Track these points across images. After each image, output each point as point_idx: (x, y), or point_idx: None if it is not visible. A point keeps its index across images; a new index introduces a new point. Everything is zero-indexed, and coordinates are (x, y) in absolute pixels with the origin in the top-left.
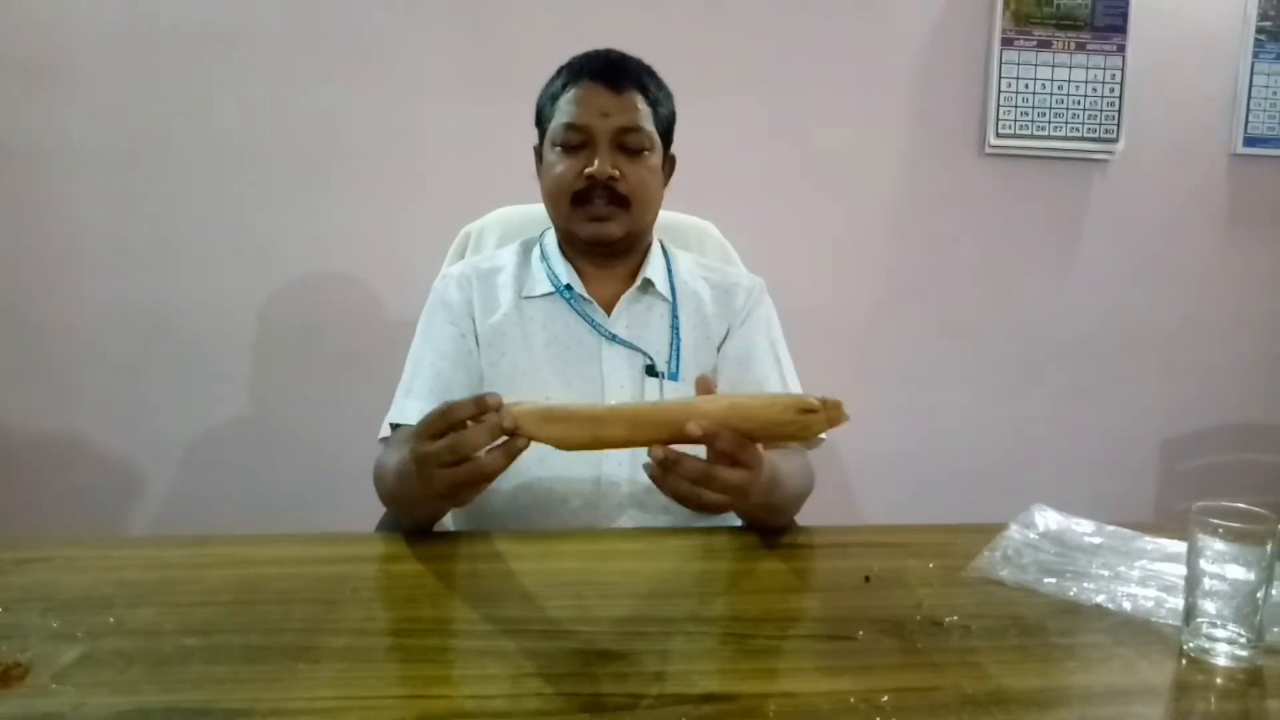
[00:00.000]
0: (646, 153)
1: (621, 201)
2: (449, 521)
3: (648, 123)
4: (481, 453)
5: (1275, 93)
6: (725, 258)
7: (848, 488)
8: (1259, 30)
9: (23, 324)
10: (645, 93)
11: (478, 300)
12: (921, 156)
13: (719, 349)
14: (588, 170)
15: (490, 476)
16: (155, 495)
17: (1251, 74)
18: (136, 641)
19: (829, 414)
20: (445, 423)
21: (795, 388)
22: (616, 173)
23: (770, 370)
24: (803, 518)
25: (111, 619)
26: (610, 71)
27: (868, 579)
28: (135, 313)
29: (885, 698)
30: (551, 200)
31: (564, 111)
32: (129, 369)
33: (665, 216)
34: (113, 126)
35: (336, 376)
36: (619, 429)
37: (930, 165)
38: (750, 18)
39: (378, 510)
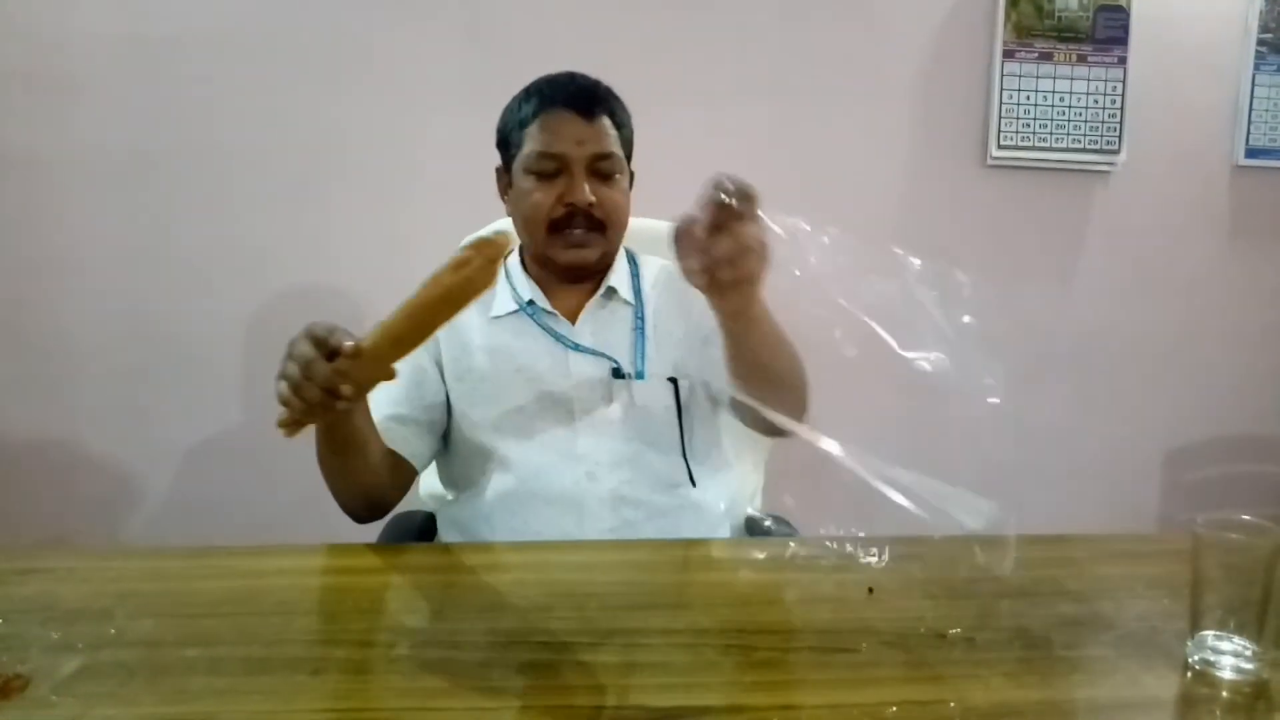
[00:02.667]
0: (618, 176)
1: (598, 227)
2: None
3: (617, 147)
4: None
5: (1277, 104)
6: None
7: (848, 499)
8: (1260, 42)
9: (23, 332)
10: (613, 117)
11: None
12: (923, 168)
13: (693, 342)
14: (568, 199)
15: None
16: (155, 504)
17: (1253, 85)
18: (137, 653)
19: (485, 253)
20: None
21: None
22: (595, 199)
23: None
24: (805, 527)
25: (112, 630)
26: (582, 98)
27: (871, 590)
28: (136, 321)
29: (890, 710)
30: (527, 227)
31: (537, 139)
32: (130, 377)
33: (665, 227)
34: (114, 136)
35: None
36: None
37: (932, 177)
38: (751, 29)
39: (379, 522)
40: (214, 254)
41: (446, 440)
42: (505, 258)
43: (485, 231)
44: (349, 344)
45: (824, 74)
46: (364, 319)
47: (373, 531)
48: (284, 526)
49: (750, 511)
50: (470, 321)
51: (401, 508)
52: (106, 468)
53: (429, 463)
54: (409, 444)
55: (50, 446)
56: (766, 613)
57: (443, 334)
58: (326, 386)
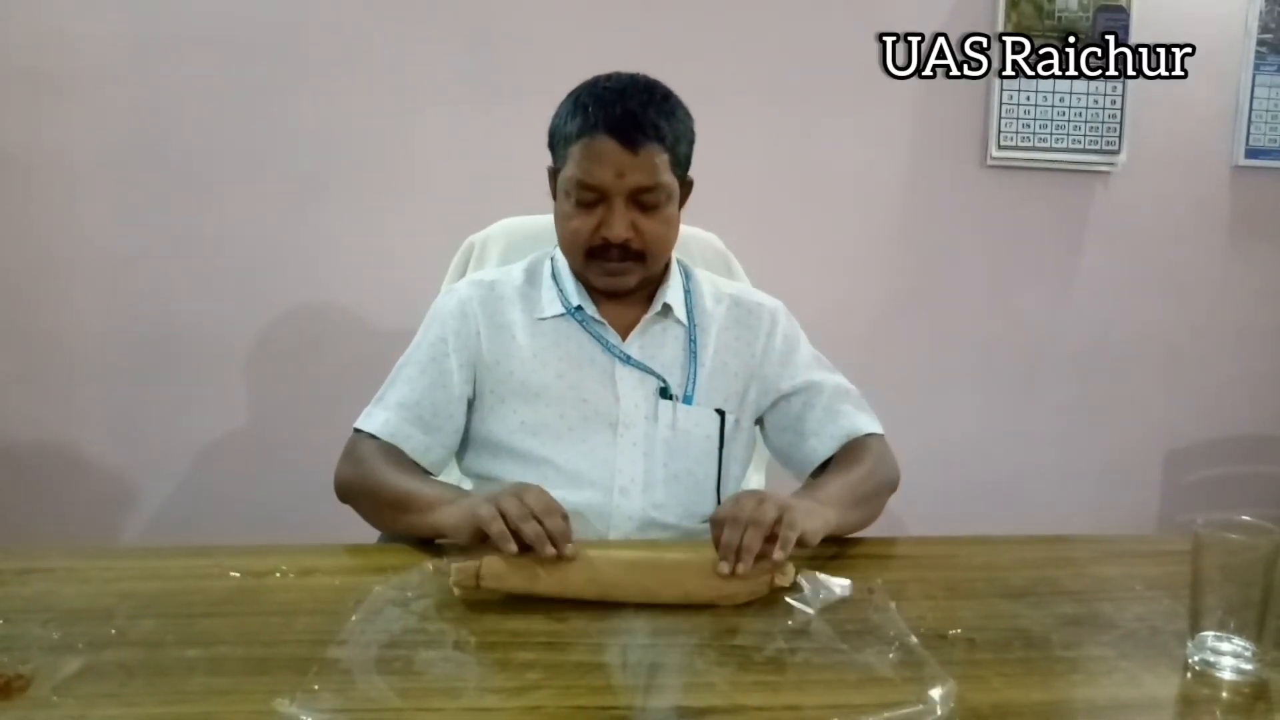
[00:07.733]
0: (662, 204)
1: (637, 256)
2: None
3: (665, 173)
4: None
5: (1276, 104)
6: (728, 270)
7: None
8: (1260, 42)
9: (23, 333)
10: (663, 140)
11: (484, 321)
12: (924, 168)
13: (750, 383)
14: (604, 233)
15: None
16: (154, 507)
17: (1253, 86)
18: (138, 653)
19: (767, 586)
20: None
21: (850, 388)
22: (631, 234)
23: (831, 390)
24: None
25: (113, 630)
26: (627, 127)
27: (871, 591)
28: (135, 323)
29: (889, 711)
30: (566, 249)
31: (577, 165)
32: (129, 379)
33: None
34: (114, 136)
35: (336, 388)
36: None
37: (932, 177)
38: (753, 30)
39: None
40: (213, 256)
41: (466, 435)
42: None
43: None
44: (570, 547)
45: (824, 74)
46: (364, 318)
47: (371, 533)
48: (285, 526)
49: None
50: (515, 320)
51: None
52: (107, 468)
53: (446, 465)
54: (430, 453)
55: (51, 446)
56: (767, 614)
57: (485, 331)
58: (534, 543)
